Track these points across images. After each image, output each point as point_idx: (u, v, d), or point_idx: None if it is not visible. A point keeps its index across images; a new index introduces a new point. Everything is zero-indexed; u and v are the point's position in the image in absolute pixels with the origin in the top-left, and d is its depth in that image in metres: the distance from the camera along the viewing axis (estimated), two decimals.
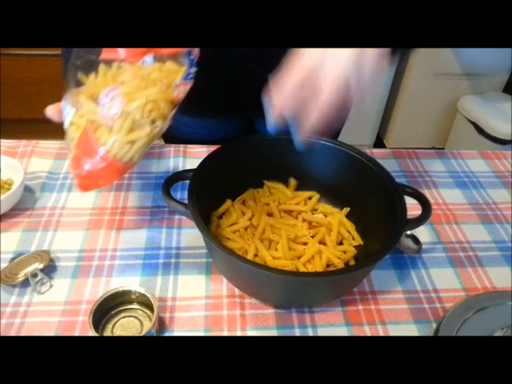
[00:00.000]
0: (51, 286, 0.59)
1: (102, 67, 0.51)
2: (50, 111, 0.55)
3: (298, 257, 0.59)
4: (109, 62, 0.51)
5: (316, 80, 0.44)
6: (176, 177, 0.59)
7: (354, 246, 0.62)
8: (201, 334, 0.54)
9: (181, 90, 0.51)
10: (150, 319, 0.53)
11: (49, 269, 0.60)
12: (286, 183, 0.69)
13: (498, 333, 0.52)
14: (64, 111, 0.52)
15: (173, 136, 0.89)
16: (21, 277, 0.57)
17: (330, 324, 0.57)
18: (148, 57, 0.50)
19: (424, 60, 1.83)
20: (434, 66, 1.85)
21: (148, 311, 0.55)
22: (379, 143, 2.18)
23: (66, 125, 0.52)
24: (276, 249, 0.59)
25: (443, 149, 2.04)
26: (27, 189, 0.71)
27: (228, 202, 0.65)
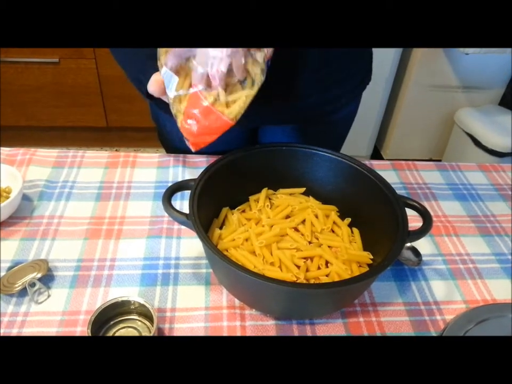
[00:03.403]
0: (49, 295, 0.58)
1: None
2: (153, 87, 0.59)
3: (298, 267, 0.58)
4: None
5: None
6: (177, 186, 0.59)
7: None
8: None
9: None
10: (150, 330, 0.53)
11: (47, 278, 0.60)
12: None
13: None
14: (166, 81, 0.57)
15: (175, 147, 0.89)
16: (18, 286, 0.57)
17: (331, 335, 0.56)
18: None
19: (421, 72, 1.84)
20: (431, 79, 1.86)
21: (147, 322, 0.54)
22: (376, 154, 2.18)
23: (171, 93, 0.57)
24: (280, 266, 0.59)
25: (440, 160, 2.05)
26: (25, 198, 0.71)
27: (225, 211, 0.65)
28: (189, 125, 0.57)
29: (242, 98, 0.55)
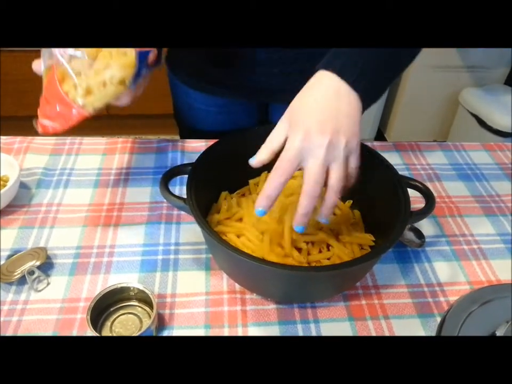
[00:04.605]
0: (48, 283, 0.58)
1: None
2: (36, 66, 0.54)
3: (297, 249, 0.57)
4: None
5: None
6: (174, 171, 0.58)
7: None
8: (202, 330, 0.54)
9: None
10: (150, 316, 0.52)
11: (46, 266, 0.59)
12: None
13: (503, 326, 0.51)
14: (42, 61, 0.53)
15: (186, 126, 0.87)
16: (17, 274, 0.56)
17: (333, 319, 0.56)
18: None
19: (424, 52, 1.80)
20: (435, 59, 1.83)
21: (147, 308, 0.54)
22: (380, 136, 2.16)
23: (42, 66, 0.53)
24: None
25: (445, 142, 2.03)
26: (23, 186, 0.70)
27: (223, 195, 0.64)
28: (43, 105, 0.51)
29: (100, 88, 0.49)
